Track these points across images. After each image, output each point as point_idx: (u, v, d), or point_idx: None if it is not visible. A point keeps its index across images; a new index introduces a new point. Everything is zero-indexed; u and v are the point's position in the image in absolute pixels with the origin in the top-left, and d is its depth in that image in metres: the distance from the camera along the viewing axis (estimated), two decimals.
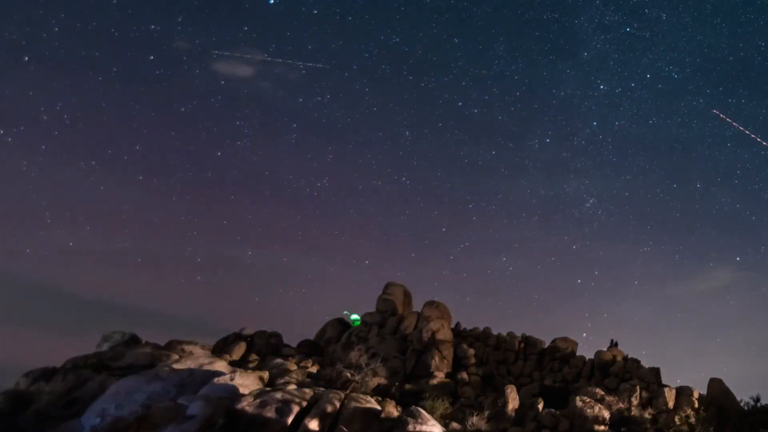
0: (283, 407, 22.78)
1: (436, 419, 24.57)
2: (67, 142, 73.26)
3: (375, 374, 29.74)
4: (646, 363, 35.19)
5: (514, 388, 30.21)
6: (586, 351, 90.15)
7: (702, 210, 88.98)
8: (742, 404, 29.98)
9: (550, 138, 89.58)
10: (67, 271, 78.27)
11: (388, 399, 26.60)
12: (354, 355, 29.51)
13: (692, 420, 27.14)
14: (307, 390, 24.59)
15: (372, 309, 41.22)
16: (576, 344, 40.32)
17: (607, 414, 27.68)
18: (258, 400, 23.01)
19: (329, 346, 38.85)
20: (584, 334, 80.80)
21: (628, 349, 38.30)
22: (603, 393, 30.05)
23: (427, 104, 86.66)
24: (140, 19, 72.03)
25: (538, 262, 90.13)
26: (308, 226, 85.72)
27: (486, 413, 27.16)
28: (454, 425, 25.60)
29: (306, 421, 22.28)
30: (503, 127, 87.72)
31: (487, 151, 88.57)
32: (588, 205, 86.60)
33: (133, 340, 32.95)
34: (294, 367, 31.55)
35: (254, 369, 30.55)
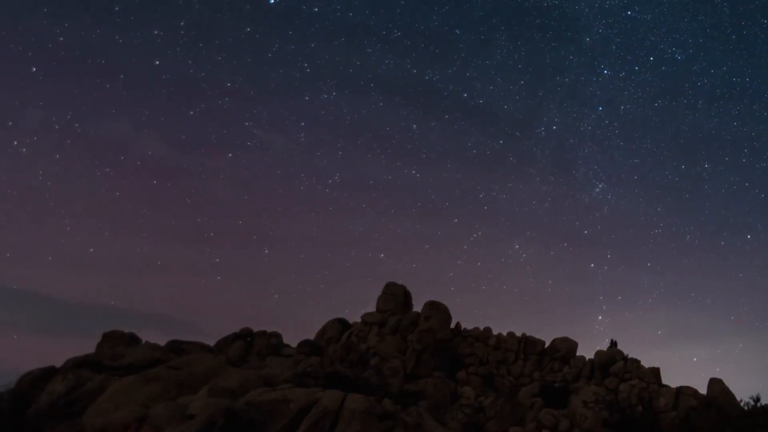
0: (283, 407, 22.79)
1: (435, 419, 24.60)
2: (81, 150, 73.81)
3: (375, 374, 29.77)
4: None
5: (514, 388, 30.26)
6: (590, 347, 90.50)
7: (711, 190, 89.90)
8: (742, 404, 30.02)
9: (557, 125, 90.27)
10: (88, 276, 78.92)
11: (388, 399, 26.61)
12: (354, 355, 29.54)
13: (692, 420, 27.19)
14: (307, 390, 24.60)
15: (372, 309, 41.25)
16: (576, 344, 40.34)
17: (607, 414, 27.72)
18: (258, 400, 23.02)
19: (329, 346, 38.86)
20: (600, 317, 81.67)
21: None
22: (603, 393, 30.09)
23: (433, 97, 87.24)
24: (143, 24, 72.42)
25: (551, 248, 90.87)
26: (322, 223, 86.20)
27: (486, 413, 27.20)
28: (454, 425, 25.62)
29: (306, 421, 22.30)
30: (509, 116, 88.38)
31: (494, 141, 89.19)
32: (597, 190, 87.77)
33: (133, 340, 32.96)
34: (294, 367, 31.57)
35: (254, 369, 30.56)
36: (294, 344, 39.23)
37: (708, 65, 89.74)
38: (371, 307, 41.40)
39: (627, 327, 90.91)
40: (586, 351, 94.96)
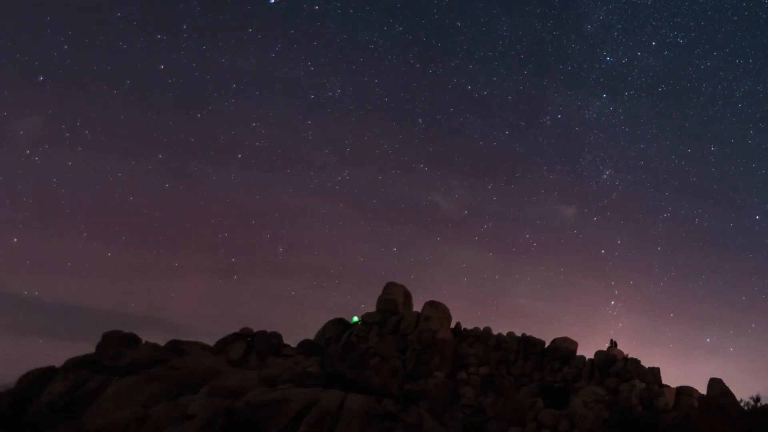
0: (283, 407, 22.78)
1: (435, 419, 24.59)
2: (92, 156, 74.24)
3: (375, 374, 29.77)
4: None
5: (514, 388, 30.24)
6: (604, 332, 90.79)
7: (718, 173, 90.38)
8: (742, 404, 30.02)
9: (562, 113, 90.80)
10: (107, 280, 79.28)
11: (388, 399, 26.59)
12: (354, 355, 29.53)
13: (692, 420, 27.18)
14: (307, 390, 24.59)
15: (372, 309, 41.26)
16: (576, 344, 40.37)
17: (607, 414, 27.71)
18: (258, 400, 23.01)
19: (329, 346, 38.87)
20: (612, 302, 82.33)
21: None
22: (603, 393, 30.08)
23: (437, 90, 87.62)
24: (146, 29, 72.61)
25: (561, 236, 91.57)
26: (335, 219, 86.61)
27: (486, 413, 27.20)
28: (454, 425, 25.61)
29: (306, 421, 22.29)
30: (514, 107, 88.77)
31: (500, 132, 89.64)
32: (605, 176, 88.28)
33: (133, 340, 32.92)
34: (294, 367, 31.57)
35: (254, 369, 30.56)
36: (294, 344, 39.25)
37: (710, 48, 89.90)
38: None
39: (640, 311, 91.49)
40: (601, 336, 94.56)
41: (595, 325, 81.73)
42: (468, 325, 41.48)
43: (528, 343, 39.87)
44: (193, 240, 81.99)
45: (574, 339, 40.41)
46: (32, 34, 65.96)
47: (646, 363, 34.25)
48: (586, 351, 38.63)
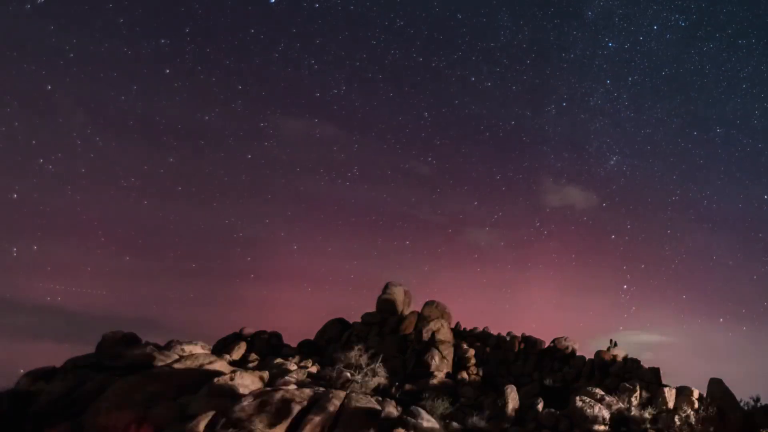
0: (284, 407, 22.78)
1: (436, 419, 24.59)
2: (104, 162, 74.89)
3: (375, 374, 29.75)
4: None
5: (514, 388, 30.24)
6: (617, 317, 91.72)
7: (725, 154, 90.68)
8: (742, 404, 30.02)
9: (566, 101, 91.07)
10: (126, 284, 79.72)
11: (388, 399, 26.59)
12: (354, 355, 29.53)
13: (692, 420, 27.20)
14: (307, 390, 24.59)
15: (372, 308, 41.26)
16: (576, 344, 40.40)
17: (607, 414, 27.70)
18: (258, 400, 23.01)
19: (329, 346, 38.88)
20: (625, 286, 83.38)
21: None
22: (603, 393, 30.08)
23: (441, 83, 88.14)
24: (149, 34, 73.06)
25: (571, 223, 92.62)
26: (346, 216, 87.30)
27: (486, 413, 27.20)
28: (454, 425, 25.59)
29: (306, 421, 22.29)
30: (519, 97, 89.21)
31: (506, 122, 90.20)
32: (612, 162, 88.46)
33: (133, 340, 32.92)
34: (294, 367, 31.56)
35: (254, 369, 30.56)
36: (294, 344, 39.29)
37: (713, 29, 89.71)
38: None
39: (652, 294, 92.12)
40: (614, 320, 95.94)
41: (607, 310, 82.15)
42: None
43: (528, 343, 39.90)
44: (210, 241, 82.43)
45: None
46: (38, 43, 66.24)
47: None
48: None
